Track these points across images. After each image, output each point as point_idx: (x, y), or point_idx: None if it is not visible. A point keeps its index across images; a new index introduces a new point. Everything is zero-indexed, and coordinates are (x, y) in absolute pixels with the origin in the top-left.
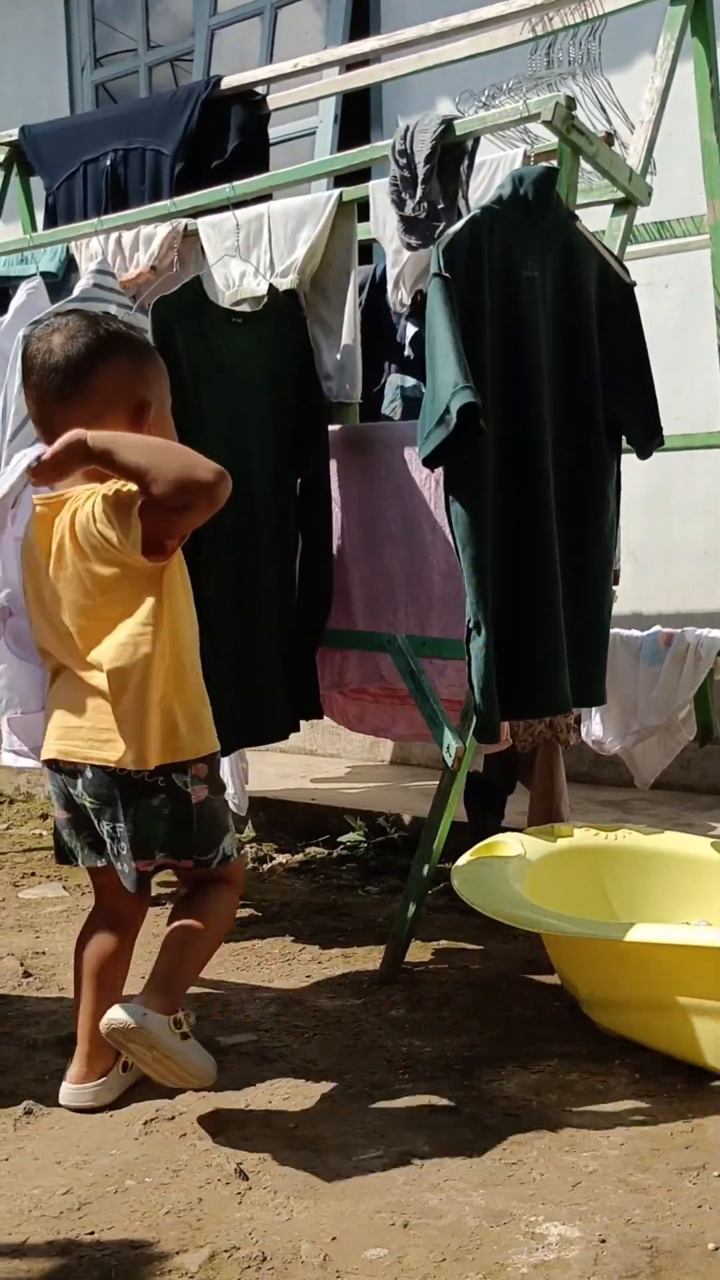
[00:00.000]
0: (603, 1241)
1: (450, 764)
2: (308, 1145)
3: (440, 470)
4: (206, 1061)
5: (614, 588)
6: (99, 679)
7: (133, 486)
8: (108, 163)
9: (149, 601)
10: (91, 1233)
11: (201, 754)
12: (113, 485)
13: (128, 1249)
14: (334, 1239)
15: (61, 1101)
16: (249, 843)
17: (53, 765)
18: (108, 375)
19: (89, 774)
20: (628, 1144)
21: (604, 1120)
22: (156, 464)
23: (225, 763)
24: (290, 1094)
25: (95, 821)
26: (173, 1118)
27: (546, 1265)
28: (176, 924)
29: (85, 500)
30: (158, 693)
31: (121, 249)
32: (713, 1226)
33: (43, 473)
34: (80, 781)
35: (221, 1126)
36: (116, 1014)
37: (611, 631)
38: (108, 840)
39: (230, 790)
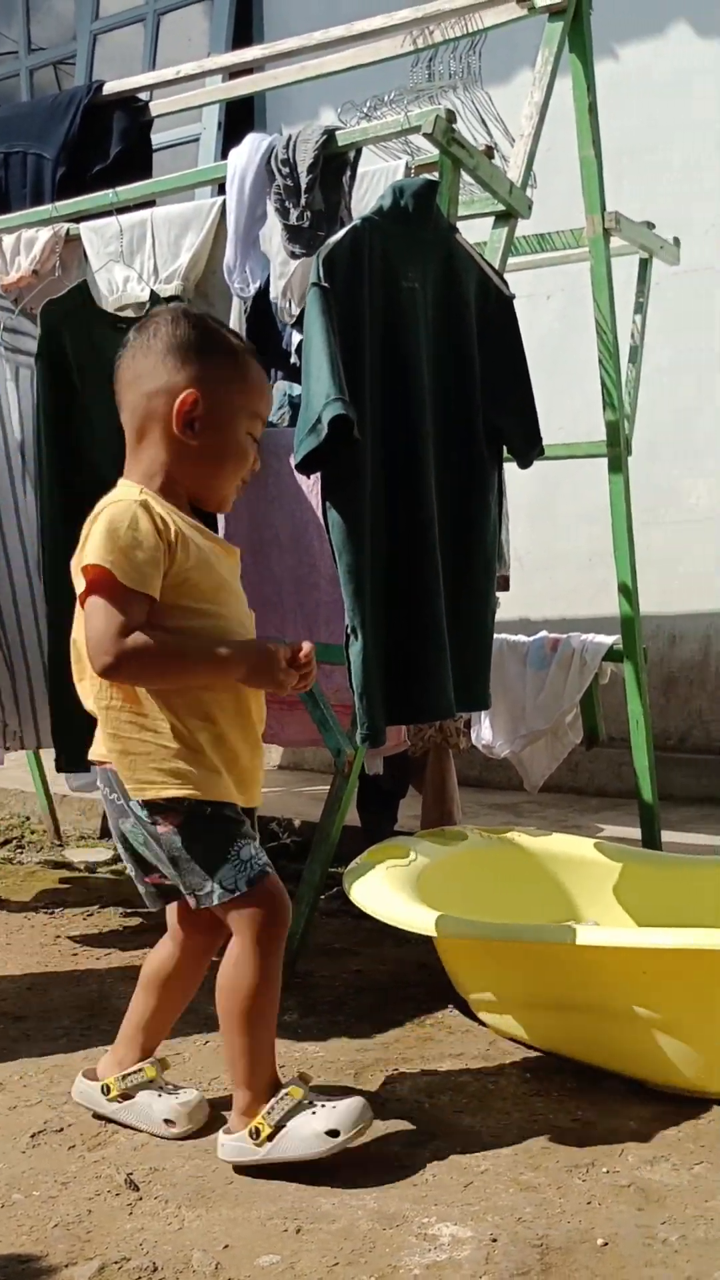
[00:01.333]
0: (494, 1240)
1: (341, 769)
2: (198, 1154)
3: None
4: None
5: (500, 594)
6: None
7: None
8: None
9: None
10: None
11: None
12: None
13: (15, 1264)
14: (226, 1247)
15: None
16: None
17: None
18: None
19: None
20: (519, 1143)
21: (496, 1120)
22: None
23: None
24: None
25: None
26: (61, 1129)
27: (438, 1265)
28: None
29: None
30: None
31: (2, 252)
32: (602, 1222)
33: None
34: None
35: (111, 1137)
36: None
37: (499, 637)
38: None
39: None
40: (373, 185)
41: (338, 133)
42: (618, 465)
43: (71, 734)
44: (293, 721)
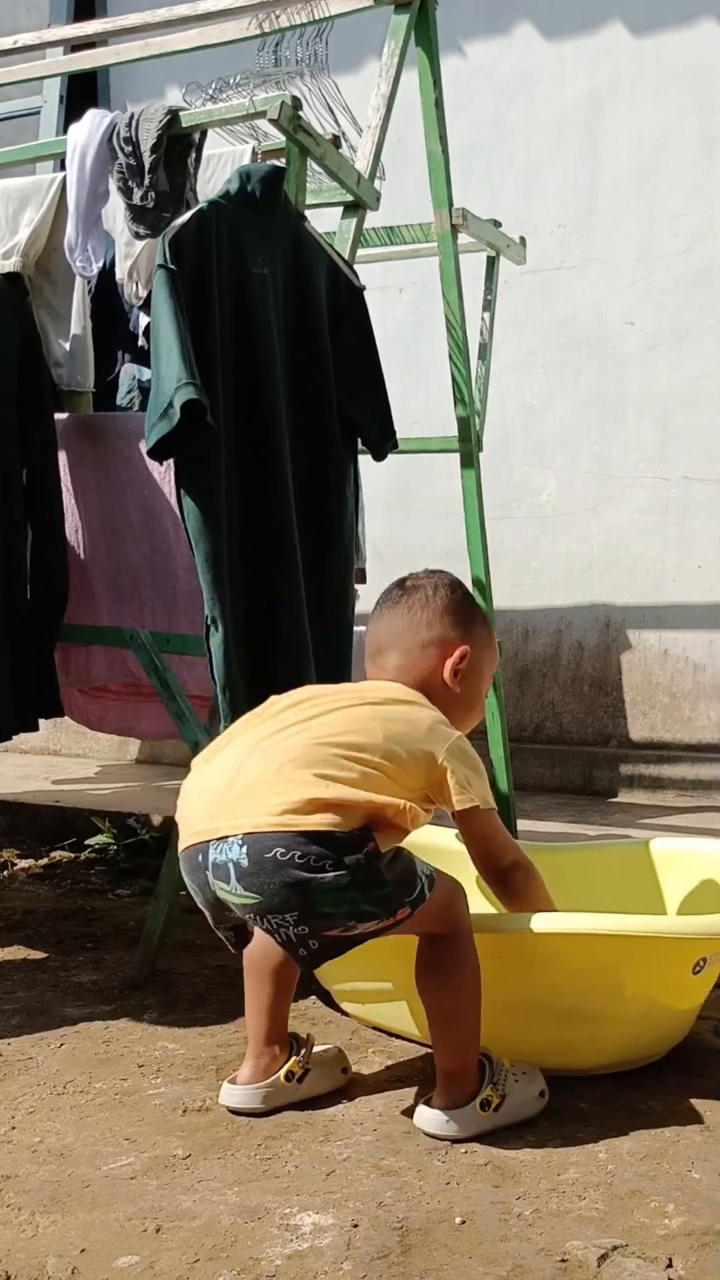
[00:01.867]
0: (355, 1226)
1: None
2: (55, 1158)
3: (172, 463)
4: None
5: (357, 586)
6: None
7: None
8: None
9: None
10: None
11: None
12: None
13: None
14: (83, 1250)
15: (222, 1102)
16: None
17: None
18: None
19: None
20: (380, 1129)
21: (357, 1108)
22: None
23: None
24: (35, 1107)
25: None
26: None
27: (300, 1255)
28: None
29: None
30: None
31: None
32: (460, 1201)
33: None
34: None
35: None
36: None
37: (357, 629)
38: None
39: None
40: (219, 168)
41: (182, 114)
42: (469, 460)
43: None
44: (149, 714)
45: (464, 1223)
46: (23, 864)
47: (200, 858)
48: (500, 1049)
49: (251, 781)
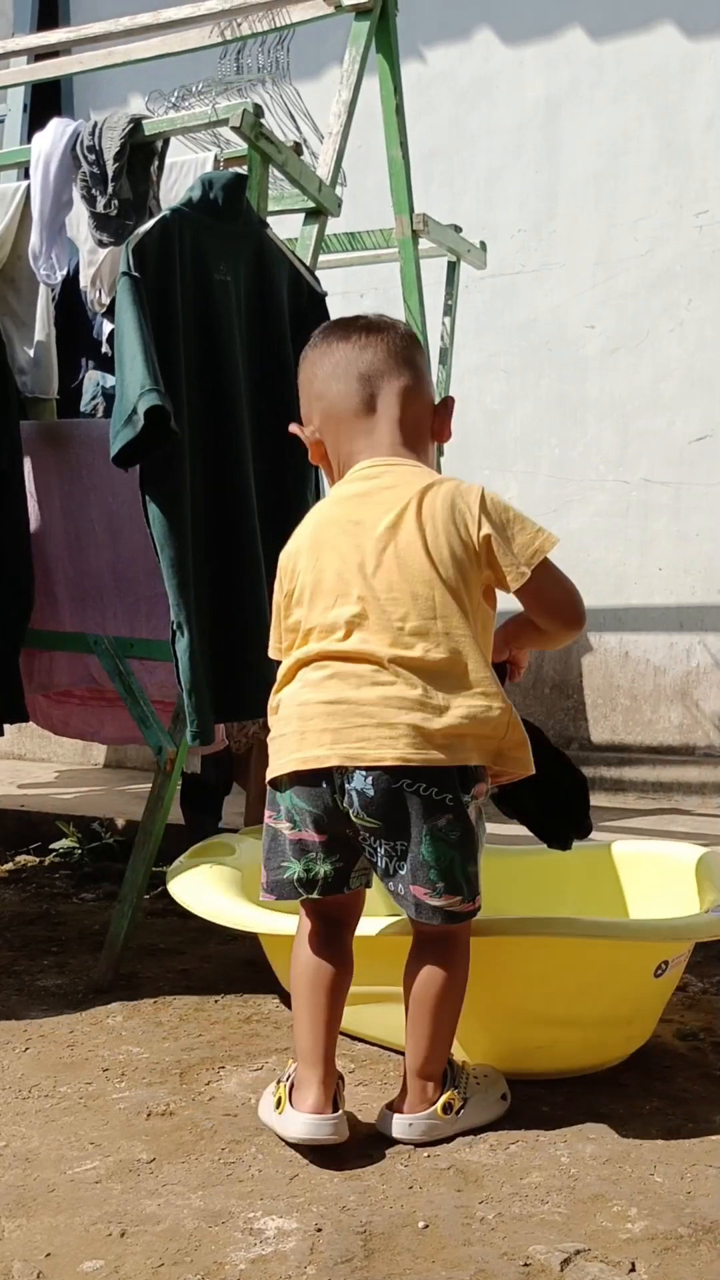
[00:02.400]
0: (319, 1230)
1: (163, 767)
2: (20, 1162)
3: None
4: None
5: None
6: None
7: None
8: None
9: None
10: None
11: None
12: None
13: None
14: (48, 1255)
15: (296, 1136)
16: None
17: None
18: None
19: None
20: None
21: None
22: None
23: None
24: (0, 1111)
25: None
26: None
27: (264, 1259)
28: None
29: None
30: None
31: None
32: (423, 1205)
33: None
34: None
35: None
36: (385, 1126)
37: None
38: (384, 861)
39: None
40: (181, 176)
41: (145, 122)
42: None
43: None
44: (113, 719)
45: (427, 1227)
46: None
47: None
48: (463, 1052)
49: None
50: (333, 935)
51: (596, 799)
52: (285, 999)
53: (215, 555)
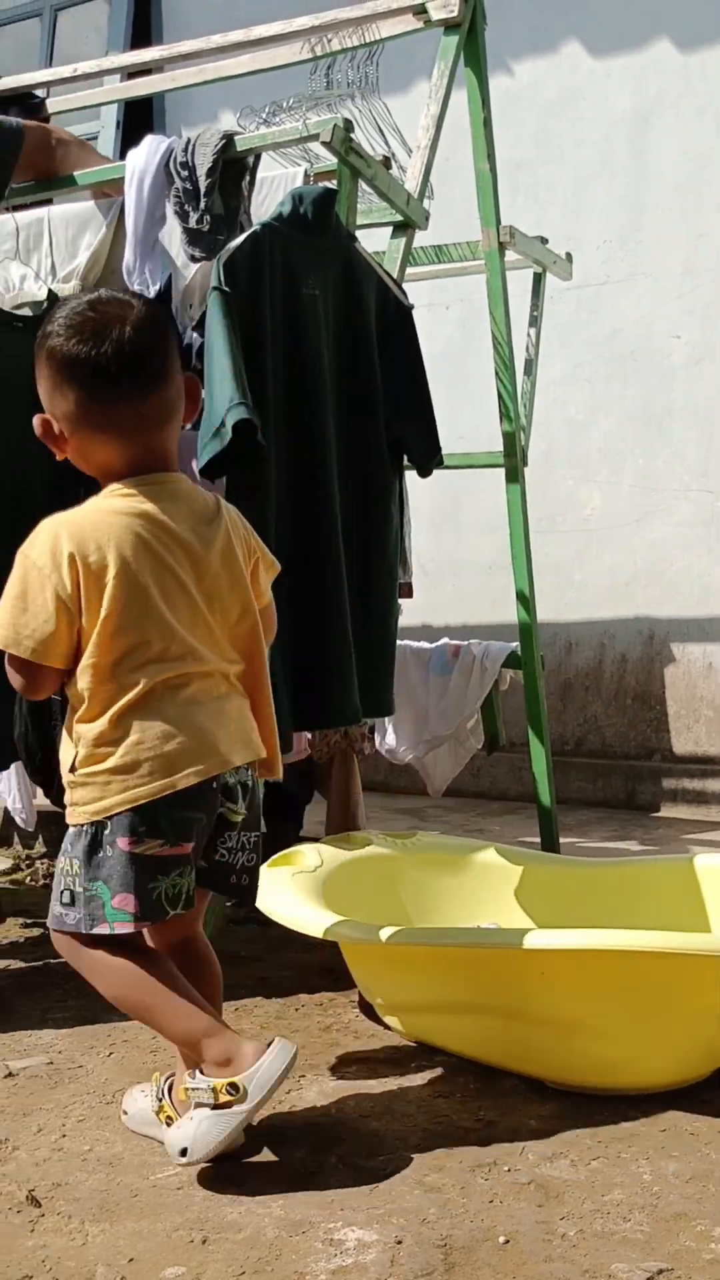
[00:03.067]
0: (399, 1243)
1: None
2: (104, 1167)
3: (224, 482)
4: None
5: (402, 601)
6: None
7: None
8: None
9: None
10: None
11: None
12: None
13: None
14: (131, 1260)
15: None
16: (39, 859)
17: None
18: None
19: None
20: (423, 1145)
21: (400, 1123)
22: None
23: (12, 774)
24: (85, 1116)
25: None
26: None
27: (344, 1270)
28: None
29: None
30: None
31: None
32: (503, 1220)
33: None
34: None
35: (11, 1154)
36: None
37: (402, 643)
38: (238, 854)
39: (17, 804)
40: (272, 191)
41: (237, 138)
42: (514, 475)
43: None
44: None
45: (508, 1242)
46: None
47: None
48: (544, 1069)
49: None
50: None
51: (678, 811)
52: (366, 1008)
53: (298, 566)
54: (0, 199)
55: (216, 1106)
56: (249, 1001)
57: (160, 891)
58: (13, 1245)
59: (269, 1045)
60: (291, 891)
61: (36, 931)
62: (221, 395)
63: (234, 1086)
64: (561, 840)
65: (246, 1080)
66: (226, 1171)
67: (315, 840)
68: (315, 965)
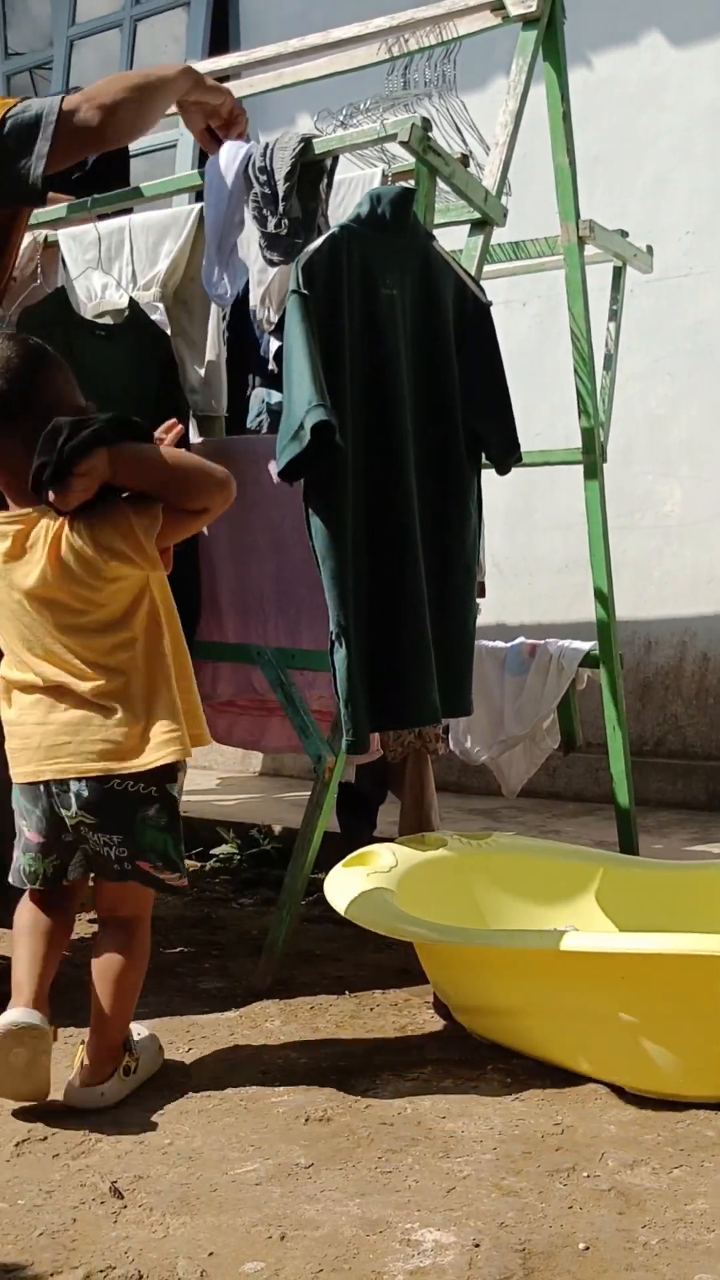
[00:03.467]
0: (477, 1246)
1: (322, 775)
2: (183, 1160)
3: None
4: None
5: (479, 600)
6: (96, 688)
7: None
8: None
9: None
10: None
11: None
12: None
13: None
14: (211, 1254)
15: (65, 1099)
16: None
17: (34, 786)
18: (47, 388)
19: (85, 788)
20: (500, 1148)
21: (477, 1125)
22: (179, 475)
23: None
24: (165, 1110)
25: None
26: (45, 1138)
27: (422, 1271)
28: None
29: (62, 525)
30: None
31: None
32: (583, 1227)
33: (70, 500)
34: (71, 797)
35: (95, 1145)
36: (79, 1099)
37: (477, 643)
38: (104, 850)
39: None
40: (350, 193)
41: (315, 140)
42: (593, 472)
43: None
44: (273, 728)
45: (587, 1249)
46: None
47: None
48: (623, 1075)
49: None
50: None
51: None
52: (441, 1009)
53: (376, 566)
54: (42, 197)
55: None
56: (324, 1000)
57: (21, 866)
58: (96, 1235)
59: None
60: (366, 891)
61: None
62: (300, 398)
63: None
64: (640, 842)
65: None
66: (303, 1169)
67: (389, 840)
68: (391, 965)
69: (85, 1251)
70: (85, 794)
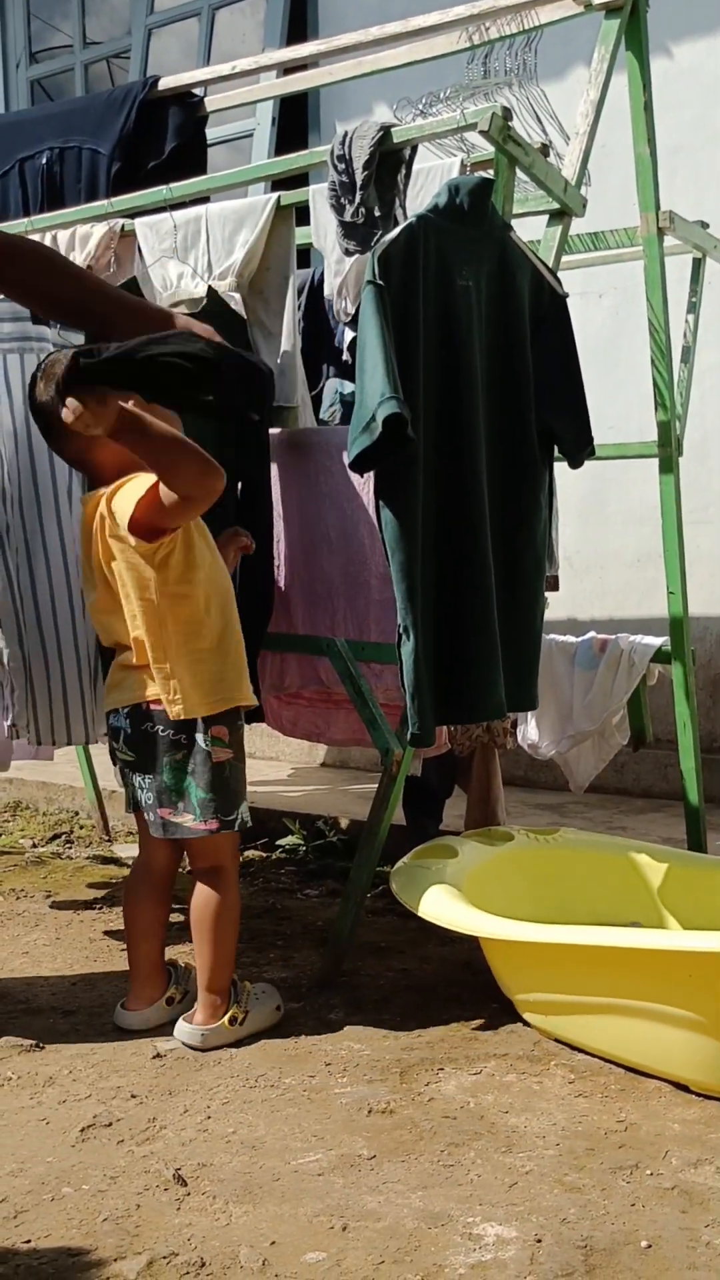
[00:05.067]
0: (539, 1241)
1: (389, 768)
2: (246, 1149)
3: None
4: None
5: (548, 594)
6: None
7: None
8: (43, 161)
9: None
10: (28, 1240)
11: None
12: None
13: (65, 1256)
14: (273, 1243)
15: (115, 1021)
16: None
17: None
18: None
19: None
20: (563, 1144)
21: (540, 1121)
22: (176, 457)
23: None
24: (229, 1099)
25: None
26: (110, 1124)
27: (484, 1265)
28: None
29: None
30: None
31: (57, 248)
32: (646, 1225)
33: (79, 423)
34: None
35: (159, 1132)
36: (181, 1033)
37: (546, 637)
38: (138, 792)
39: None
40: (428, 182)
41: (393, 129)
42: (669, 466)
43: None
44: (340, 720)
45: (650, 1247)
46: None
47: None
48: (688, 1073)
49: None
50: (143, 868)
51: None
52: (505, 1004)
53: (446, 559)
54: None
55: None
56: (388, 992)
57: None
58: (160, 1222)
59: None
60: (431, 885)
61: (180, 917)
62: (373, 389)
63: None
64: (709, 840)
65: None
66: (365, 1160)
67: (455, 834)
68: (455, 959)
69: (148, 1237)
70: None
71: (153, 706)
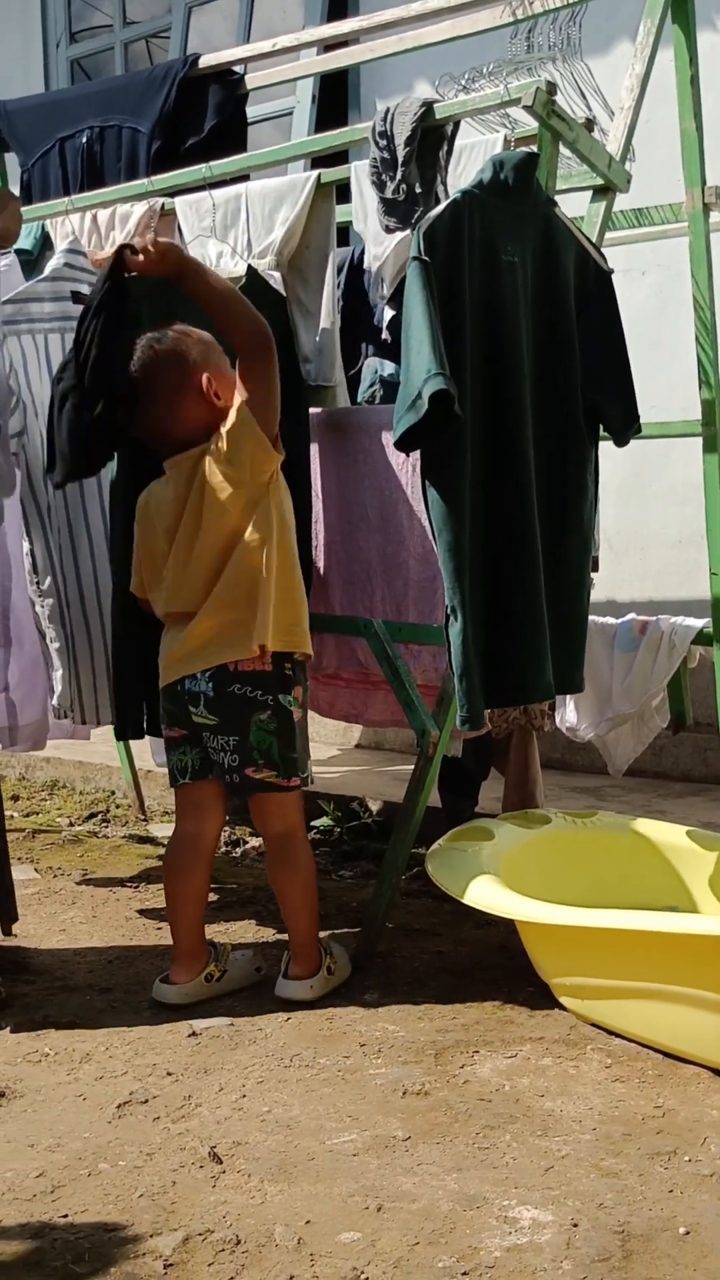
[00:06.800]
0: (575, 1225)
1: (425, 750)
2: (281, 1129)
3: (417, 455)
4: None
5: (592, 575)
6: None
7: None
8: (84, 140)
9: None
10: (65, 1215)
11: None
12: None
13: (101, 1232)
14: (308, 1222)
15: (154, 995)
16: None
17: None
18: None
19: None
20: (600, 1128)
21: (576, 1105)
22: (234, 304)
23: None
24: (264, 1078)
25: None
26: (146, 1101)
27: (519, 1249)
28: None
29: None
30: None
31: (98, 227)
32: (683, 1211)
33: (139, 265)
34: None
35: (195, 1110)
36: (288, 991)
37: (593, 619)
38: (219, 754)
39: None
40: (470, 158)
41: (436, 105)
42: (713, 445)
43: (133, 704)
44: (376, 701)
45: (688, 1233)
46: (254, 842)
47: None
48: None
49: None
50: (189, 837)
51: None
52: (541, 988)
53: (492, 539)
54: None
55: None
56: (423, 974)
57: (172, 764)
58: (195, 1199)
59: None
60: (468, 868)
61: (215, 897)
62: (419, 366)
63: None
64: None
65: None
66: (400, 1142)
67: (492, 816)
68: (490, 942)
69: (184, 1214)
70: None
71: (242, 667)
